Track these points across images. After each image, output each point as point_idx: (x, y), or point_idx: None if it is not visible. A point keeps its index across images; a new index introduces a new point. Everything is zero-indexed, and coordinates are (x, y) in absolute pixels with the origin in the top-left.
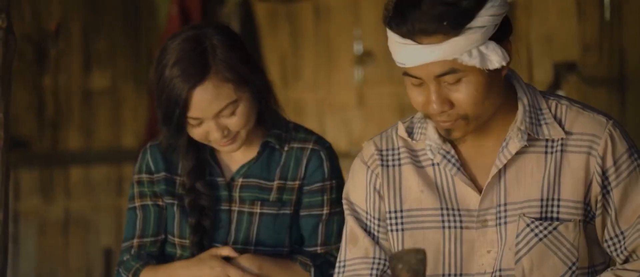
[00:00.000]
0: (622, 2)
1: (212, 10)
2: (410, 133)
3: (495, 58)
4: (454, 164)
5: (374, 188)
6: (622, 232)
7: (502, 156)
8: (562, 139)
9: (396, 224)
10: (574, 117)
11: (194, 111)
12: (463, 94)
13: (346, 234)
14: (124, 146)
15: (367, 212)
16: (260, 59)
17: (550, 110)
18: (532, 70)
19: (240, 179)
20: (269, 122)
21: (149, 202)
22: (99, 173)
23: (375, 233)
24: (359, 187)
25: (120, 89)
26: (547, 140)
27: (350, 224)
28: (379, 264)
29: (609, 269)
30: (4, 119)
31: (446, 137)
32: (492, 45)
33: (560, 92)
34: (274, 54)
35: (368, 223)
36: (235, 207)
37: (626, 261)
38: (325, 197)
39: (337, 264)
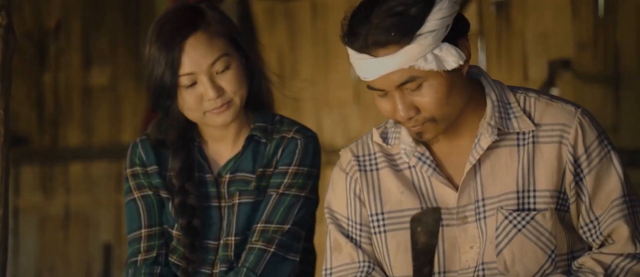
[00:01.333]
0: (616, 0)
1: None
2: (384, 138)
3: (451, 59)
4: (429, 165)
5: (355, 194)
6: (596, 218)
7: (474, 152)
8: (533, 131)
9: (378, 226)
10: (543, 109)
11: (186, 65)
12: (426, 98)
13: (330, 243)
14: (124, 142)
15: (348, 219)
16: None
17: (518, 104)
18: (527, 67)
19: (228, 175)
20: (255, 115)
21: (149, 192)
22: (99, 169)
23: (358, 239)
24: (339, 195)
25: (119, 86)
26: (518, 133)
27: (333, 233)
28: (364, 267)
29: (586, 254)
30: (4, 115)
31: (419, 140)
32: (446, 46)
33: (555, 90)
34: (272, 51)
35: (350, 229)
36: (225, 203)
37: (602, 245)
38: (285, 180)
39: (323, 273)
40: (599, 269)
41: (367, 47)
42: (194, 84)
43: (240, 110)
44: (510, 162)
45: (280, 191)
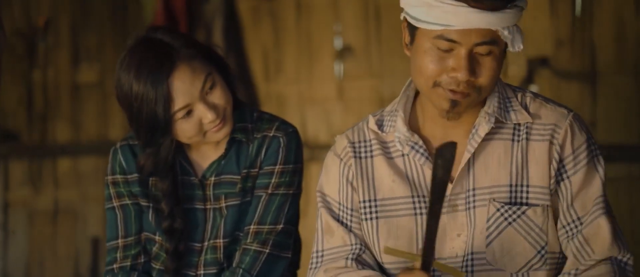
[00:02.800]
0: None
1: (196, 7)
2: (380, 126)
3: (519, 41)
4: (422, 154)
5: (347, 180)
6: (578, 218)
7: (473, 141)
8: (527, 127)
9: (370, 213)
10: (537, 108)
11: (179, 100)
12: (488, 67)
13: (321, 226)
14: (112, 138)
15: (340, 204)
16: (243, 54)
17: (517, 99)
18: (506, 65)
19: (212, 178)
20: (235, 116)
21: (128, 202)
22: (87, 164)
23: (348, 223)
24: (332, 180)
25: (107, 82)
26: (514, 127)
27: (324, 216)
28: (355, 248)
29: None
30: None
31: (448, 111)
32: (518, 28)
33: (534, 87)
34: (257, 48)
35: (340, 214)
36: (210, 206)
37: (580, 249)
38: (272, 180)
39: (313, 255)
40: None
41: None
42: (190, 112)
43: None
44: (504, 156)
45: (270, 191)
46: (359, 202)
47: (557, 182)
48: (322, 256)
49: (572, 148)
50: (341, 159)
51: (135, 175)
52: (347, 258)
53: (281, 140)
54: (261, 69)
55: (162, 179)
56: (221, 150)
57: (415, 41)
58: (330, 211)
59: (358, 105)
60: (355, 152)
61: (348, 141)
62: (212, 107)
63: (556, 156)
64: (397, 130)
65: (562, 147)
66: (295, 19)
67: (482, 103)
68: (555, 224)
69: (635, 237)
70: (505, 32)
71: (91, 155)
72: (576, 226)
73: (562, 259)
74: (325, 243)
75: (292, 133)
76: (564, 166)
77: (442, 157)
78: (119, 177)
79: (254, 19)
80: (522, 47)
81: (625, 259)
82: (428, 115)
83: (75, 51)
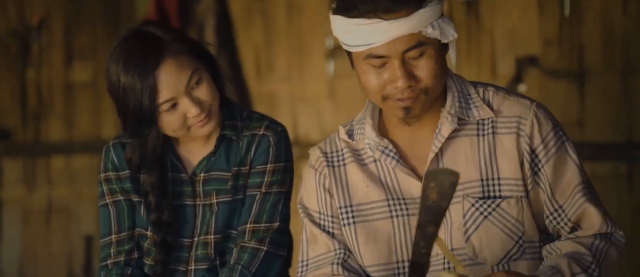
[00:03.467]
0: None
1: (189, 6)
2: (350, 135)
3: (449, 31)
4: (392, 157)
5: (324, 188)
6: (560, 206)
7: (436, 141)
8: (492, 121)
9: (348, 218)
10: (500, 101)
11: (164, 93)
12: (425, 68)
13: (306, 236)
14: (105, 136)
15: (320, 213)
16: (234, 53)
17: (478, 95)
18: (495, 64)
19: (202, 174)
20: (224, 114)
21: (121, 198)
22: (80, 163)
23: (331, 230)
24: (310, 191)
25: (100, 81)
26: (478, 122)
27: (308, 227)
28: (340, 253)
29: (563, 239)
30: None
31: (404, 118)
32: (444, 18)
33: (522, 86)
34: (249, 48)
35: (322, 223)
36: (199, 202)
37: (572, 230)
38: (265, 179)
39: (299, 265)
40: (585, 251)
41: (378, 11)
42: (174, 106)
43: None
44: (471, 151)
45: (263, 190)
46: (337, 208)
47: (535, 173)
48: (308, 264)
49: (540, 137)
50: (316, 170)
51: (127, 172)
52: (332, 263)
53: (271, 139)
54: (253, 68)
55: (149, 172)
56: (210, 147)
57: (354, 64)
58: (312, 221)
59: (349, 104)
60: (328, 161)
61: (321, 151)
62: (197, 102)
63: (526, 147)
64: (367, 137)
65: (530, 138)
66: (286, 19)
67: (444, 102)
68: (532, 213)
69: (624, 234)
70: (430, 30)
71: (84, 153)
72: (560, 215)
73: (541, 247)
74: (311, 252)
75: (281, 132)
76: (536, 156)
77: (436, 181)
78: (111, 174)
79: (245, 18)
80: (455, 35)
81: (617, 235)
82: (394, 120)
83: (68, 50)
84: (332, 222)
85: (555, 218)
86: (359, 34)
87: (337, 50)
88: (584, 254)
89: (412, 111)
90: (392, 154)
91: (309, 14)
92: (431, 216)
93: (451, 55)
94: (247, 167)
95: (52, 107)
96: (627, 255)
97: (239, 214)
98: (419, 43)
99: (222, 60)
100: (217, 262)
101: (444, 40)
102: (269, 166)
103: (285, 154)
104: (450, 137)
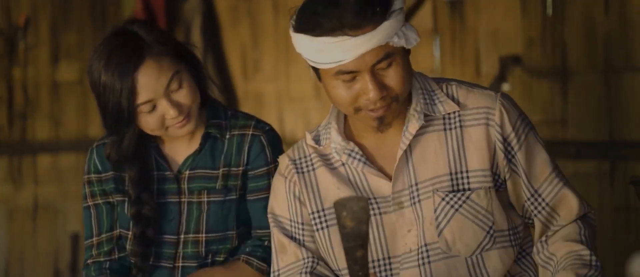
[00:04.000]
0: None
1: (175, 6)
2: (317, 141)
3: (413, 36)
4: (359, 159)
5: (294, 195)
6: (536, 191)
7: (404, 138)
8: (458, 115)
9: (320, 223)
10: (465, 95)
11: (143, 94)
12: (395, 77)
13: (275, 245)
14: (91, 135)
15: (291, 220)
16: (221, 52)
17: (442, 90)
18: (479, 63)
19: (187, 172)
20: (208, 113)
21: (100, 201)
22: (67, 161)
23: (301, 238)
24: (280, 199)
25: (87, 80)
26: (444, 117)
27: (276, 236)
28: (308, 262)
29: (552, 240)
30: None
31: (378, 127)
32: (407, 25)
33: (506, 85)
34: (235, 47)
35: (293, 230)
36: (185, 199)
37: (549, 218)
38: (270, 180)
39: (272, 275)
40: (580, 247)
41: (343, 28)
42: (153, 107)
43: (198, 109)
44: (439, 146)
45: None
46: (309, 214)
47: (509, 160)
48: (279, 275)
49: (511, 125)
50: (286, 178)
51: (110, 173)
52: (301, 272)
53: (263, 139)
54: (240, 68)
55: (130, 167)
56: (195, 145)
57: (322, 79)
58: (282, 229)
59: None
60: (297, 168)
61: (289, 159)
62: (176, 104)
63: (498, 136)
64: (333, 141)
65: (501, 126)
66: (273, 19)
67: (409, 101)
68: (509, 201)
69: (605, 231)
70: (396, 39)
71: (71, 152)
72: (536, 199)
73: (513, 236)
74: (280, 262)
75: (270, 131)
76: (509, 144)
77: (347, 209)
78: (93, 176)
79: (232, 18)
80: (418, 39)
81: (590, 214)
82: (360, 123)
83: (55, 50)
84: (303, 229)
85: (532, 203)
86: (327, 52)
87: None
88: (582, 253)
89: (385, 119)
90: (358, 156)
91: None
92: (354, 241)
93: (436, 55)
94: (240, 168)
95: (38, 106)
96: (609, 253)
97: (236, 215)
98: (387, 55)
99: (209, 59)
100: (209, 260)
101: (409, 47)
102: (270, 166)
103: (280, 151)
104: (418, 134)
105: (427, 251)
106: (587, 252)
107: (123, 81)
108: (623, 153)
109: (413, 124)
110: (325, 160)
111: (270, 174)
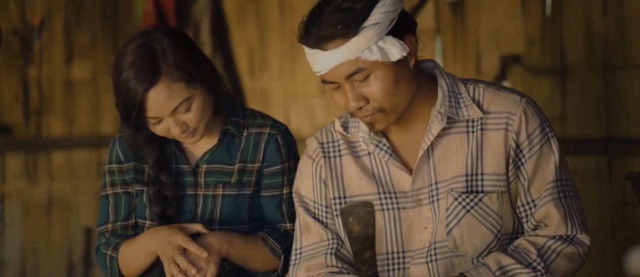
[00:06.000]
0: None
1: (185, 6)
2: (345, 128)
3: (394, 50)
4: (386, 151)
5: (320, 178)
6: (533, 201)
7: (426, 139)
8: (481, 118)
9: (340, 209)
10: (490, 98)
11: (151, 111)
12: (374, 88)
13: (299, 224)
14: (104, 132)
15: (315, 202)
16: (229, 51)
17: (468, 94)
18: (480, 62)
19: (204, 166)
20: (227, 110)
21: (120, 190)
22: (80, 157)
23: (324, 219)
24: (306, 180)
25: (100, 79)
26: (467, 120)
27: (302, 215)
28: (333, 243)
29: (521, 237)
30: None
31: (371, 130)
32: (390, 39)
33: (507, 83)
34: (243, 46)
35: (316, 212)
36: (201, 192)
37: (535, 229)
38: (284, 178)
39: (293, 253)
40: (532, 249)
41: (318, 42)
42: (160, 121)
43: (207, 125)
44: (460, 148)
45: (287, 190)
46: (331, 199)
47: (517, 167)
48: (301, 252)
49: (526, 133)
50: (313, 160)
51: (132, 163)
52: (326, 253)
53: (278, 138)
54: (247, 66)
55: (149, 151)
56: (213, 141)
57: None
58: (307, 210)
59: None
60: (324, 152)
61: (317, 142)
62: (181, 124)
63: (512, 143)
64: (361, 130)
65: (517, 133)
66: (279, 18)
67: (435, 100)
68: (512, 205)
69: (603, 226)
70: (368, 54)
71: (84, 148)
72: (529, 209)
73: (513, 239)
74: (304, 240)
75: (286, 131)
76: (521, 151)
77: (353, 215)
78: (114, 166)
79: (239, 18)
80: (403, 53)
81: (572, 235)
82: None
83: (68, 49)
84: (326, 212)
85: (525, 210)
86: (311, 62)
87: None
88: (529, 251)
89: (376, 126)
90: (385, 148)
91: (301, 14)
92: (361, 244)
93: (438, 54)
94: (256, 165)
95: (52, 104)
96: (607, 248)
97: (249, 210)
98: (359, 69)
99: (217, 58)
100: None
101: (389, 60)
102: (285, 165)
103: (295, 151)
104: (441, 135)
105: (435, 248)
106: (535, 254)
107: (135, 95)
108: (621, 149)
109: (436, 125)
110: (352, 148)
111: (284, 173)
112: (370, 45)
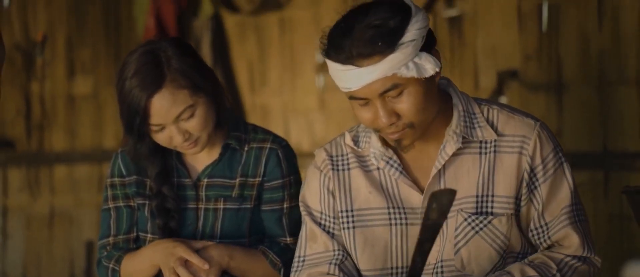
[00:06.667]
0: (558, 15)
1: (186, 22)
2: (356, 142)
3: (429, 66)
4: (396, 168)
5: (328, 189)
6: (546, 224)
7: (440, 158)
8: (495, 140)
9: (348, 222)
10: (505, 121)
11: (154, 118)
12: (407, 104)
13: (305, 232)
14: (105, 146)
15: (322, 213)
16: (229, 67)
17: (483, 114)
18: (478, 77)
19: (206, 179)
20: (229, 124)
21: (121, 204)
22: (82, 172)
23: (331, 230)
24: (313, 191)
25: (101, 94)
26: (481, 141)
27: (308, 224)
28: (338, 255)
29: (538, 252)
30: None
31: (397, 147)
32: (424, 55)
33: (504, 98)
34: (243, 62)
35: (323, 222)
36: (202, 205)
37: (550, 247)
38: (285, 193)
39: (295, 260)
40: (552, 264)
41: (352, 58)
42: (163, 129)
43: (210, 135)
44: (472, 169)
45: (288, 204)
46: (339, 212)
47: (531, 191)
48: (304, 260)
49: (541, 157)
50: (321, 171)
51: (134, 177)
52: (330, 263)
53: (279, 152)
54: (247, 81)
55: (151, 164)
56: (215, 155)
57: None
58: (313, 220)
59: (338, 116)
60: (333, 164)
61: (327, 153)
62: (184, 132)
63: (527, 166)
64: (372, 146)
65: (532, 157)
66: (279, 34)
67: (449, 119)
68: (521, 227)
69: (600, 239)
70: (404, 71)
71: (86, 163)
72: (543, 231)
73: (521, 257)
74: (308, 249)
75: (287, 146)
76: (535, 175)
77: (437, 201)
78: (116, 180)
79: (240, 34)
80: (436, 69)
81: (593, 259)
82: None
83: (70, 64)
84: (333, 223)
85: (538, 233)
86: (339, 78)
87: (326, 65)
88: (549, 265)
89: (403, 142)
90: (396, 165)
91: (300, 30)
92: (430, 233)
93: None
94: (257, 179)
95: (55, 119)
96: (603, 261)
97: (249, 224)
98: (395, 85)
99: (218, 73)
100: None
101: (423, 77)
102: (285, 179)
103: (295, 166)
104: (453, 154)
105: (441, 266)
106: (555, 269)
107: (139, 102)
108: (617, 163)
109: (451, 145)
110: (361, 162)
111: (284, 187)
112: (407, 61)
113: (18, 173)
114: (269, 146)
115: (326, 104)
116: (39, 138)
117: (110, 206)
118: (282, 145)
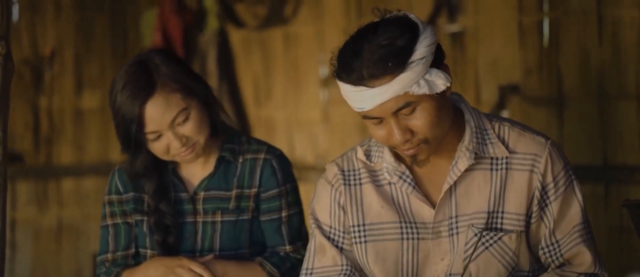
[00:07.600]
0: (558, 30)
1: (192, 37)
2: (368, 156)
3: (440, 82)
4: (409, 184)
5: (338, 204)
6: (557, 241)
7: (452, 174)
8: (506, 157)
9: (359, 237)
10: (516, 138)
11: (149, 125)
12: (420, 121)
13: (314, 245)
14: (113, 160)
15: (331, 227)
16: (235, 81)
17: (494, 131)
18: (479, 91)
19: (202, 193)
20: (223, 135)
21: (119, 221)
22: (89, 185)
23: (340, 245)
24: (324, 205)
25: (108, 108)
26: (492, 158)
27: (318, 237)
28: (346, 270)
29: (550, 270)
30: (3, 136)
31: (413, 163)
32: (435, 71)
33: (505, 112)
34: (248, 76)
35: (333, 237)
36: (200, 219)
37: (562, 265)
38: (282, 201)
39: (302, 272)
40: None
41: (363, 80)
42: (159, 137)
43: (206, 140)
44: (483, 185)
45: (286, 213)
46: (350, 226)
47: (541, 209)
48: (312, 273)
49: (552, 175)
50: (332, 185)
51: (131, 194)
52: None
53: (274, 162)
54: (252, 95)
55: (148, 180)
56: (210, 168)
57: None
58: (323, 234)
59: (342, 129)
60: (345, 179)
61: (338, 168)
62: (180, 137)
63: (538, 184)
64: (385, 161)
65: (543, 176)
66: (283, 49)
67: (461, 134)
68: (530, 244)
69: (600, 253)
70: (416, 88)
71: (93, 176)
72: (554, 249)
73: (533, 275)
74: (316, 262)
75: (281, 156)
76: (546, 193)
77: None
78: (114, 197)
79: (245, 49)
80: (447, 84)
81: (601, 274)
82: None
83: (78, 79)
84: (343, 237)
85: (549, 251)
86: (352, 99)
87: (330, 79)
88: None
89: (419, 157)
90: (408, 180)
91: (304, 45)
92: None
93: None
94: (253, 190)
95: (62, 132)
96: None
97: (249, 235)
98: (407, 103)
99: (223, 87)
100: None
101: (436, 92)
102: (281, 188)
103: (290, 174)
104: (465, 170)
105: None
106: None
107: (133, 110)
108: (617, 177)
109: (463, 162)
110: (373, 176)
111: (281, 196)
112: (418, 79)
113: (26, 186)
114: (263, 156)
115: (330, 117)
116: (47, 152)
117: (109, 223)
118: (276, 155)
